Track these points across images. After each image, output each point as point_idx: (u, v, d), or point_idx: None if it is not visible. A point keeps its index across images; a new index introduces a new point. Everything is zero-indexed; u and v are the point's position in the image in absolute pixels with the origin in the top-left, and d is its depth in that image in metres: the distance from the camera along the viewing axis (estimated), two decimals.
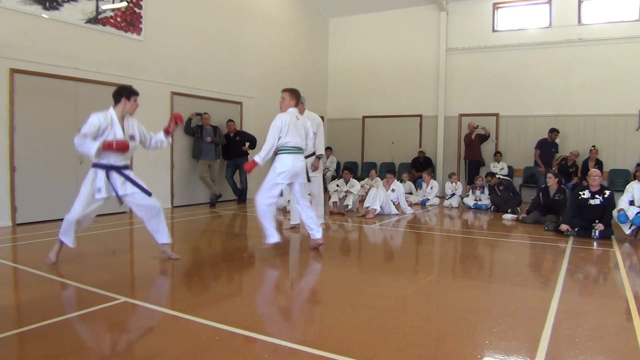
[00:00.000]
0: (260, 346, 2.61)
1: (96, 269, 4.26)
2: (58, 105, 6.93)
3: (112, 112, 4.14)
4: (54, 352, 2.48)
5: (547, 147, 9.86)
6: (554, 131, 9.98)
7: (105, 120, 4.03)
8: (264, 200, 4.92)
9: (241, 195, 9.66)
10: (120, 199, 4.22)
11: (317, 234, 5.13)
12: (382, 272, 4.50)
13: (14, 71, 6.33)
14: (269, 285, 4.13)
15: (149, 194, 4.30)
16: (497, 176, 9.45)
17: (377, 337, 2.72)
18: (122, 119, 4.17)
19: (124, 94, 4.21)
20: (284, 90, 5.15)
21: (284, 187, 5.13)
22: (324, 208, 6.84)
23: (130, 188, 4.23)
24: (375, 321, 3.02)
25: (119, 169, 4.17)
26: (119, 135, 4.09)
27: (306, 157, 5.55)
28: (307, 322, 3.11)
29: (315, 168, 6.35)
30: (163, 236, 4.49)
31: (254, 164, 4.86)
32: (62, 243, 4.26)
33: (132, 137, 4.23)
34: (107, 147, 3.99)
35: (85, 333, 2.85)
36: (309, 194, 6.07)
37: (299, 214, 5.34)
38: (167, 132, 4.50)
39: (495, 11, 11.36)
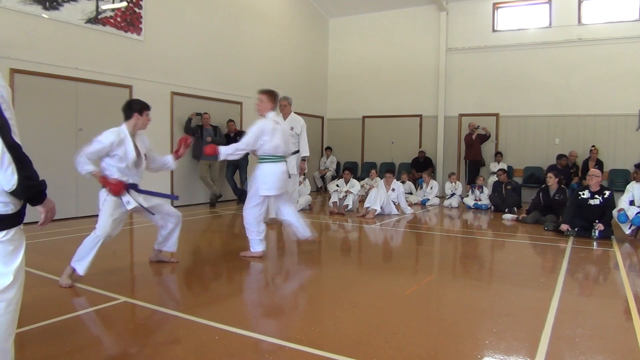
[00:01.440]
0: (260, 346, 2.61)
1: (96, 269, 4.26)
2: (58, 105, 6.94)
3: (124, 129, 3.84)
4: (54, 352, 2.48)
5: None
6: (562, 157, 9.89)
7: (117, 143, 3.75)
8: (252, 215, 4.71)
9: (241, 195, 9.65)
10: (149, 210, 4.02)
11: (305, 232, 5.02)
12: (382, 272, 4.50)
13: (14, 71, 6.33)
14: (269, 285, 4.12)
15: (174, 198, 4.19)
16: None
17: (377, 337, 2.72)
18: (133, 135, 3.90)
19: (135, 108, 3.90)
20: (262, 92, 4.75)
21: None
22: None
23: (154, 200, 4.08)
24: (375, 321, 3.01)
25: (135, 187, 3.95)
26: (131, 155, 3.82)
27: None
28: (307, 322, 3.11)
29: (302, 170, 6.35)
30: (174, 245, 4.37)
31: (216, 151, 4.56)
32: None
33: (142, 156, 3.98)
34: (102, 181, 3.74)
35: (86, 333, 2.85)
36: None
37: (282, 215, 5.11)
38: (176, 155, 4.32)
39: (495, 11, 11.36)
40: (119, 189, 3.75)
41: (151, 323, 3.03)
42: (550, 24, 10.75)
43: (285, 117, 6.73)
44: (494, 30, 11.36)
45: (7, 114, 1.67)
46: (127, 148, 3.81)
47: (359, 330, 2.84)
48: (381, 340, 2.67)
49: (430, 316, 3.23)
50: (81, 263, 3.68)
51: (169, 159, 4.32)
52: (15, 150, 1.65)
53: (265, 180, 4.66)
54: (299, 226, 5.01)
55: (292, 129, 6.56)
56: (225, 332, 2.77)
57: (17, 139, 1.69)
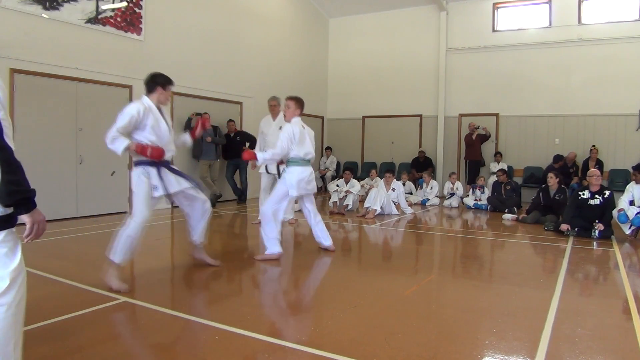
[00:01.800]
0: (260, 346, 2.61)
1: (96, 269, 4.26)
2: (58, 105, 6.94)
3: (148, 101, 3.71)
4: (54, 352, 2.48)
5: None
6: (559, 160, 9.85)
7: (143, 110, 3.61)
8: (270, 207, 4.68)
9: (241, 195, 9.66)
10: (170, 197, 3.88)
11: (326, 242, 5.08)
12: (382, 272, 4.50)
13: (14, 71, 6.33)
14: (269, 285, 4.12)
15: (202, 188, 4.04)
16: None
17: (377, 337, 2.72)
18: (158, 109, 3.79)
19: (159, 81, 3.80)
20: (290, 99, 4.82)
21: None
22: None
23: (183, 183, 3.94)
24: (375, 321, 3.01)
25: (167, 165, 3.84)
26: (162, 124, 3.72)
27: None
28: (307, 322, 3.11)
29: None
30: (200, 236, 4.28)
31: (254, 157, 4.57)
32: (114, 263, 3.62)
33: (171, 127, 3.91)
34: (139, 151, 3.58)
35: (85, 333, 2.85)
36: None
37: (307, 218, 5.11)
38: (192, 135, 4.27)
39: (495, 11, 11.36)
40: (159, 152, 3.63)
41: (151, 323, 3.03)
42: (550, 24, 10.76)
43: (274, 117, 6.76)
44: (494, 30, 11.36)
45: (1, 114, 1.62)
46: (156, 117, 3.69)
47: (359, 330, 2.84)
48: (381, 340, 2.67)
49: (430, 316, 3.23)
50: (118, 256, 3.57)
51: (187, 136, 4.32)
52: (3, 153, 1.58)
53: (293, 176, 4.68)
54: (323, 237, 5.06)
55: (280, 128, 6.58)
56: (225, 332, 2.77)
57: (10, 142, 1.63)
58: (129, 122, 3.56)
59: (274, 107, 6.83)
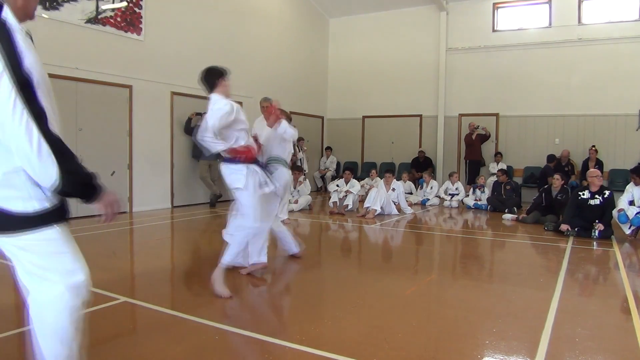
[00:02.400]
0: (260, 346, 2.61)
1: (96, 269, 4.25)
2: (58, 105, 6.91)
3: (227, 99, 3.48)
4: None
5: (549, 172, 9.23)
6: (553, 160, 9.88)
7: (235, 107, 3.46)
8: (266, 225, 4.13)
9: None
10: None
11: (295, 248, 4.78)
12: (382, 272, 4.49)
13: None
14: (269, 285, 4.12)
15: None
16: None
17: (377, 337, 2.72)
18: None
19: (217, 73, 3.52)
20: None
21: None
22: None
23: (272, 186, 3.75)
24: (375, 321, 3.01)
25: (258, 163, 3.72)
26: (246, 120, 3.57)
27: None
28: (307, 322, 3.10)
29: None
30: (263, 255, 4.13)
31: (279, 117, 4.21)
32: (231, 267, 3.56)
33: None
34: (232, 153, 3.48)
35: (85, 333, 2.85)
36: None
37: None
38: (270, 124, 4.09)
39: (495, 11, 11.36)
40: (252, 152, 3.54)
41: (151, 323, 3.03)
42: (550, 24, 10.75)
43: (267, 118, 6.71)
44: (494, 30, 11.35)
45: (44, 102, 1.48)
46: (244, 121, 3.55)
47: (359, 330, 2.84)
48: (381, 340, 2.67)
49: (430, 316, 3.23)
50: (232, 258, 3.53)
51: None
52: (54, 142, 1.45)
53: (282, 176, 4.44)
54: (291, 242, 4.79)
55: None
56: (225, 332, 2.77)
57: (57, 130, 1.50)
58: (225, 117, 3.40)
59: (266, 108, 6.79)
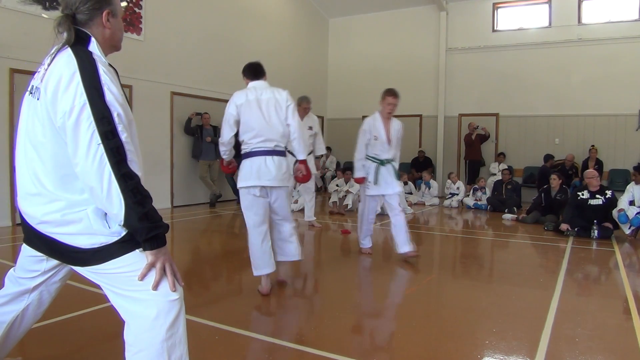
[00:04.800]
0: (260, 346, 2.61)
1: None
2: None
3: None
4: (54, 352, 2.48)
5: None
6: (549, 159, 9.91)
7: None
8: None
9: None
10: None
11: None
12: (382, 272, 4.49)
13: (13, 71, 6.33)
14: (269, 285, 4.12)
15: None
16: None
17: (377, 337, 2.72)
18: None
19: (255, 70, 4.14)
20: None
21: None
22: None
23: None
24: (375, 321, 3.01)
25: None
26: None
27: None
28: (307, 322, 3.11)
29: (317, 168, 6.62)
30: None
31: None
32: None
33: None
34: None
35: (86, 333, 2.85)
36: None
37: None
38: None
39: (495, 11, 11.36)
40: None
41: None
42: (550, 24, 10.75)
43: (302, 117, 6.64)
44: (494, 30, 11.35)
45: (124, 137, 1.41)
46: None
47: (358, 331, 2.84)
48: (381, 340, 2.67)
49: (430, 316, 3.23)
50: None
51: None
52: (127, 182, 1.38)
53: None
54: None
55: (310, 128, 6.58)
56: (225, 332, 2.77)
57: (136, 168, 1.43)
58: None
59: (306, 109, 6.74)
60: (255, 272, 3.47)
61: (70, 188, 1.46)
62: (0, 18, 6.19)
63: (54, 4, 6.76)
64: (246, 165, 3.47)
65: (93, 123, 1.36)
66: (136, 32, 7.93)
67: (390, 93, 4.95)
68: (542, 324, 2.96)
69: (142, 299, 1.47)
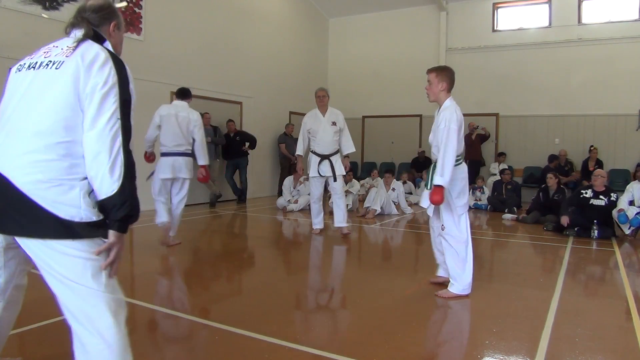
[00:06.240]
0: (260, 346, 2.61)
1: None
2: None
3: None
4: (54, 352, 2.48)
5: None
6: (554, 159, 9.90)
7: None
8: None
9: (241, 195, 9.65)
10: None
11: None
12: (382, 272, 4.49)
13: None
14: (269, 285, 4.12)
15: None
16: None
17: (377, 337, 2.72)
18: None
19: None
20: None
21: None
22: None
23: None
24: (375, 321, 3.01)
25: None
26: None
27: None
28: (308, 322, 3.10)
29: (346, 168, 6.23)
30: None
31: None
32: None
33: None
34: None
35: None
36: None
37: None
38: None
39: (495, 11, 11.36)
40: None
41: (151, 323, 3.03)
42: (550, 24, 10.75)
43: (323, 111, 6.35)
44: (494, 30, 11.35)
45: (132, 123, 1.60)
46: None
47: (359, 330, 2.84)
48: (381, 340, 2.67)
49: (430, 316, 3.23)
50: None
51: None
52: (128, 160, 1.52)
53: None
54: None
55: (334, 123, 6.32)
56: (225, 332, 2.77)
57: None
58: None
59: (322, 97, 6.27)
60: None
61: (72, 153, 1.52)
62: (0, 18, 6.19)
63: (54, 4, 6.76)
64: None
65: (118, 101, 1.54)
66: (136, 32, 7.92)
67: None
68: (542, 324, 2.96)
69: (82, 290, 1.50)
